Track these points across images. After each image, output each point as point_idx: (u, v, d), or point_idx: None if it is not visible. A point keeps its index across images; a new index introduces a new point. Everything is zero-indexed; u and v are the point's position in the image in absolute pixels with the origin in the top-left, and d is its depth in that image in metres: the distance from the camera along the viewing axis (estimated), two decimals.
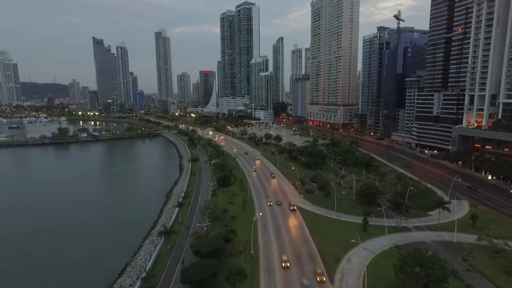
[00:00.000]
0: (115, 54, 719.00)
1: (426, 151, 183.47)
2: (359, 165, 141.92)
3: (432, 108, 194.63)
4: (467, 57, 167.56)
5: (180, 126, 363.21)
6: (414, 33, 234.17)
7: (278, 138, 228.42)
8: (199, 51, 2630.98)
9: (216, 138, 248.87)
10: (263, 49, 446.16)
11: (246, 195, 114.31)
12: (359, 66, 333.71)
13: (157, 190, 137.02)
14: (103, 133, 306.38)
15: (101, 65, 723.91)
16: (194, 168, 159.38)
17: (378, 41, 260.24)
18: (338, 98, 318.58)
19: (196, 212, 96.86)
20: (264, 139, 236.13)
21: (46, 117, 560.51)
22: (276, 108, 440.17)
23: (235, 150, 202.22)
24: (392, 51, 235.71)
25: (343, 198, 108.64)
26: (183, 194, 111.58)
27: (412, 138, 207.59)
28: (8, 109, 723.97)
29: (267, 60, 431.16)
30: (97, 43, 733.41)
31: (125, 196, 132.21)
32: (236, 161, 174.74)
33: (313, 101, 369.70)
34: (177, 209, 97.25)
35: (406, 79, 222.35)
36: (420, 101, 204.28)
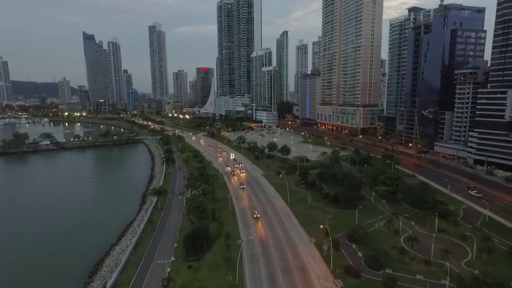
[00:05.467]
0: (107, 50, 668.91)
1: None
2: (424, 207, 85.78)
3: (503, 111, 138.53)
4: None
5: (167, 129, 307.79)
6: (465, 11, 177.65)
7: (286, 149, 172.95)
8: (201, 51, 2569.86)
9: (230, 169, 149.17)
10: (265, 47, 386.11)
11: (234, 277, 60.03)
12: (384, 58, 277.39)
13: (79, 262, 74.23)
14: (71, 139, 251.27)
15: (92, 62, 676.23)
16: (160, 203, 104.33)
17: (412, 24, 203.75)
18: (357, 97, 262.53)
19: None
20: (266, 150, 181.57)
21: (27, 118, 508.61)
22: (280, 108, 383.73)
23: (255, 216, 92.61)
24: (436, 35, 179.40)
25: None
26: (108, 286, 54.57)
27: (469, 152, 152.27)
28: None
29: (270, 53, 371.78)
30: (88, 38, 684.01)
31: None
32: (227, 187, 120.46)
33: (324, 100, 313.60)
34: None
35: (456, 71, 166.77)
36: (483, 101, 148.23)
